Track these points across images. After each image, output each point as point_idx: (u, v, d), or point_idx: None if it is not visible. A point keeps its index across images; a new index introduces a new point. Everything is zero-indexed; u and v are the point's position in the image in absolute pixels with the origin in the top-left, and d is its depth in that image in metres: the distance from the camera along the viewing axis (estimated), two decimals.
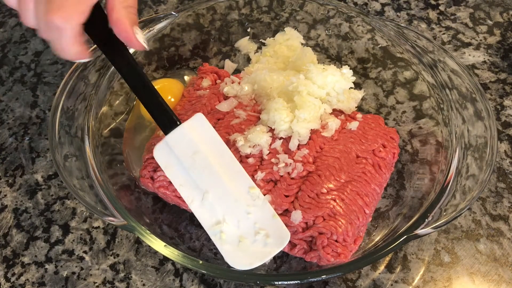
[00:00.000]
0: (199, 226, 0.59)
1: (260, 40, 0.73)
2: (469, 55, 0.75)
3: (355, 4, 0.84)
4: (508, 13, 0.81)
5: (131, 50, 0.64)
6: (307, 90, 0.57)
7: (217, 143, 0.53)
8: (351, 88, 0.62)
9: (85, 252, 0.59)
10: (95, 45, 0.51)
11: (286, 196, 0.53)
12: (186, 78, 0.71)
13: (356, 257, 0.51)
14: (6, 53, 0.80)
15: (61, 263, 0.58)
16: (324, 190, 0.53)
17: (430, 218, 0.50)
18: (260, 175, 0.54)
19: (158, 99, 0.50)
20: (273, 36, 0.71)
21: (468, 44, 0.77)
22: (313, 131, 0.57)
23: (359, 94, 0.64)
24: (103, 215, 0.51)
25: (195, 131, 0.52)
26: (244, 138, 0.56)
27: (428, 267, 0.56)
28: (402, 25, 0.64)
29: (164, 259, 0.58)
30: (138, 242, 0.59)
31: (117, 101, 0.65)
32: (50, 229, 0.61)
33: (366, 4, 0.84)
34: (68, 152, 0.56)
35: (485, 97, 0.57)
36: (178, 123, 0.51)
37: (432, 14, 0.81)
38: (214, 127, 0.59)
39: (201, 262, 0.48)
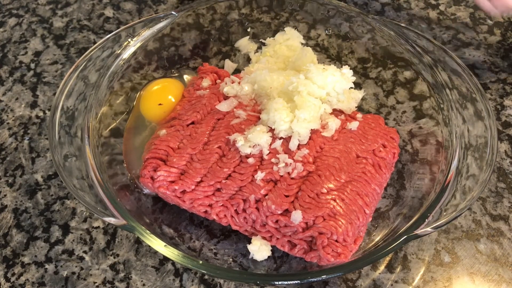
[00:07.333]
0: (199, 226, 0.59)
1: (260, 40, 0.73)
2: (469, 55, 0.75)
3: (355, 4, 0.84)
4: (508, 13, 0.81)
5: (131, 50, 0.64)
6: (307, 90, 0.57)
7: None
8: (351, 88, 0.61)
9: (85, 252, 0.59)
10: None
11: (286, 196, 0.53)
12: (186, 78, 0.71)
13: (356, 257, 0.51)
14: (6, 53, 0.80)
15: (61, 263, 0.58)
16: (324, 190, 0.53)
17: (430, 218, 0.50)
18: (260, 175, 0.54)
19: None
20: (273, 36, 0.71)
21: (468, 44, 0.77)
22: (313, 131, 0.57)
23: (359, 94, 0.64)
24: (103, 215, 0.51)
25: None
26: (244, 138, 0.56)
27: (428, 267, 0.56)
28: (402, 25, 0.64)
29: (164, 259, 0.58)
30: (138, 242, 0.59)
31: (117, 101, 0.65)
32: (50, 229, 0.61)
33: (366, 4, 0.84)
34: (68, 152, 0.56)
35: (485, 97, 0.57)
36: None
37: (432, 14, 0.81)
38: (214, 127, 0.60)
39: (201, 262, 0.48)
